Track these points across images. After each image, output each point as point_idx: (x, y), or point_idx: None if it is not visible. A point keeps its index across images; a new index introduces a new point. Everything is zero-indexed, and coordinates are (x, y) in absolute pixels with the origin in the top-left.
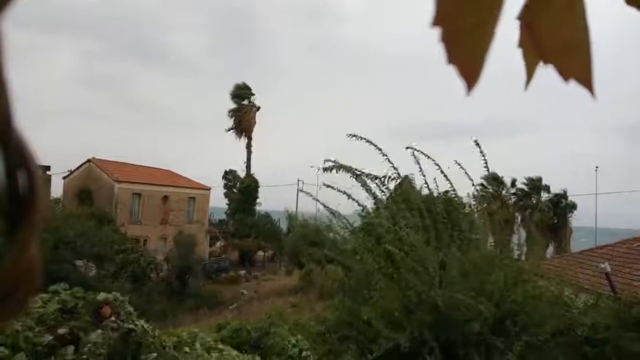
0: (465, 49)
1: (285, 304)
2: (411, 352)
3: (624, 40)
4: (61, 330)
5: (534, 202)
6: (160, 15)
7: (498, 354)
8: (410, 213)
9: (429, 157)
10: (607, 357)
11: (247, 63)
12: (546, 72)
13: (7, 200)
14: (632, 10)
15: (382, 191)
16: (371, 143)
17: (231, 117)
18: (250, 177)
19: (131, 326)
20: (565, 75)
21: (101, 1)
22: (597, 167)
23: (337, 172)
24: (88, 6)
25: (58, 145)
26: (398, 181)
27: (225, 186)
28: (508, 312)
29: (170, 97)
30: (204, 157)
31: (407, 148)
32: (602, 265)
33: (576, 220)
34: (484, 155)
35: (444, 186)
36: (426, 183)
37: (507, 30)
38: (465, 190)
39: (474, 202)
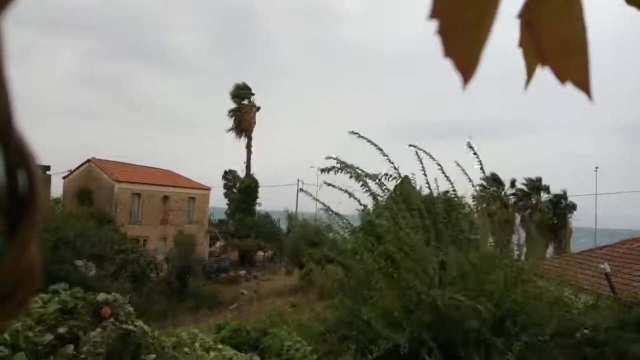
0: (462, 43)
1: (285, 304)
2: (411, 352)
3: (624, 40)
4: (61, 330)
5: (534, 202)
6: (160, 15)
7: (498, 354)
8: (410, 213)
9: (431, 157)
10: (607, 358)
11: (247, 63)
12: (546, 72)
13: (7, 199)
14: (632, 10)
15: (383, 191)
16: (372, 143)
17: (231, 117)
18: (250, 177)
19: (130, 327)
20: (562, 77)
21: (101, 1)
22: (596, 167)
23: (335, 173)
24: (88, 6)
25: (58, 145)
26: (398, 181)
27: (225, 186)
28: (508, 312)
29: (170, 97)
30: (203, 157)
31: (410, 146)
32: (602, 266)
33: (576, 220)
34: (478, 158)
35: (444, 186)
36: (427, 183)
37: (507, 30)
38: (465, 191)
39: (473, 203)
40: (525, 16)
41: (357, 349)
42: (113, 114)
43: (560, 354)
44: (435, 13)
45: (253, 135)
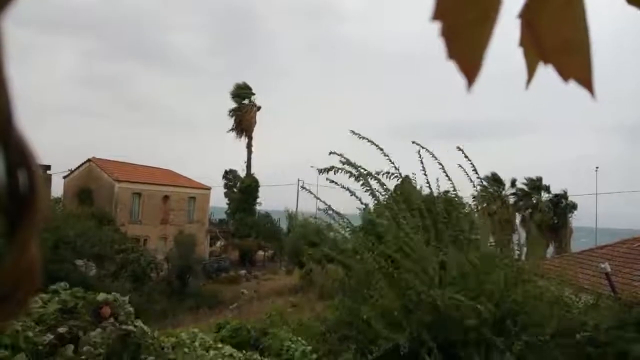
0: (465, 44)
1: (285, 303)
2: (411, 352)
3: (624, 39)
4: (61, 330)
5: (534, 202)
6: (160, 15)
7: (498, 354)
8: (411, 213)
9: (433, 155)
10: (608, 358)
11: (247, 63)
12: (546, 72)
13: (8, 199)
14: (632, 9)
15: (384, 190)
16: (372, 142)
17: (231, 116)
18: (250, 177)
19: (130, 327)
20: (565, 75)
21: (101, 1)
22: (597, 167)
23: (335, 172)
24: (88, 6)
25: (58, 145)
26: (399, 180)
27: (226, 186)
28: (508, 312)
29: (171, 96)
30: (204, 156)
31: (413, 143)
32: (602, 265)
33: (576, 220)
34: (470, 161)
35: (444, 186)
36: (428, 182)
37: (508, 29)
38: (465, 190)
39: (474, 202)
40: (526, 16)
41: (357, 348)
42: (113, 113)
43: (560, 353)
44: (438, 14)
45: (253, 135)
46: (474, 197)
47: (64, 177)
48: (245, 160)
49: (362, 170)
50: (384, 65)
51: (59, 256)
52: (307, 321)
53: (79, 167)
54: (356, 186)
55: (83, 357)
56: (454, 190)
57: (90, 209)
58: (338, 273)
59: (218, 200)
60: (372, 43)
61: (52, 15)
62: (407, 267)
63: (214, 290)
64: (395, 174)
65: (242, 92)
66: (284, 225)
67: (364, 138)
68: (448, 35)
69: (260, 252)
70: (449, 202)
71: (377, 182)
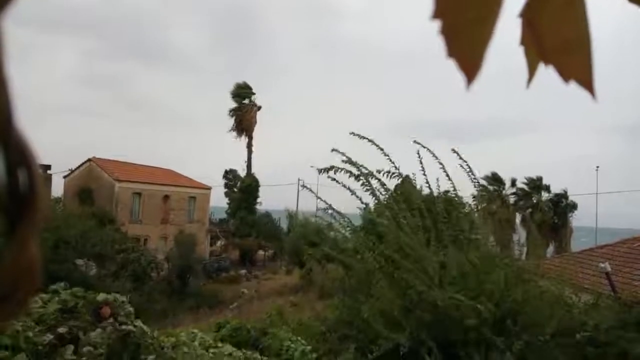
0: (465, 43)
1: (285, 303)
2: (411, 351)
3: (625, 38)
4: (61, 330)
5: (535, 201)
6: (161, 14)
7: (498, 354)
8: (411, 212)
9: (433, 155)
10: (609, 358)
11: (248, 61)
12: (547, 71)
13: (8, 198)
14: (633, 7)
15: (385, 190)
16: (373, 142)
17: (232, 116)
18: (250, 177)
19: (130, 327)
20: (566, 76)
21: (101, 0)
22: (597, 166)
23: (335, 172)
24: (88, 5)
25: (59, 145)
26: (399, 180)
27: (226, 185)
28: (508, 312)
29: (171, 96)
30: (204, 156)
31: (415, 142)
32: (602, 265)
33: (577, 220)
34: (466, 162)
35: (444, 185)
36: (427, 182)
37: (509, 28)
38: (465, 190)
39: (474, 202)
40: (527, 15)
41: (357, 348)
42: (113, 113)
43: (560, 353)
44: (438, 13)
45: (254, 134)
46: (473, 197)
47: (64, 177)
48: (246, 159)
49: (363, 170)
50: (384, 64)
51: (59, 256)
52: (307, 321)
53: (79, 166)
54: (356, 186)
55: (83, 357)
56: (454, 190)
57: (90, 208)
58: (338, 272)
59: (218, 200)
60: (373, 41)
61: (52, 14)
62: (407, 267)
63: (214, 289)
64: (396, 173)
65: (242, 92)
66: (284, 224)
67: (364, 138)
68: (448, 33)
69: (261, 252)
70: (449, 202)
71: (378, 182)
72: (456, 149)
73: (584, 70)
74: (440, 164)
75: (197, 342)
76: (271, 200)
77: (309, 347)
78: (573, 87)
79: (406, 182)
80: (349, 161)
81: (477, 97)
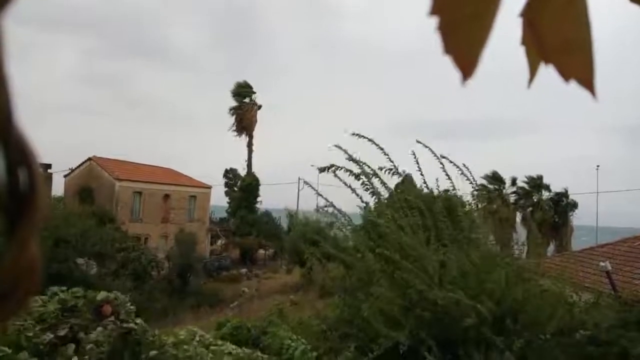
0: (462, 39)
1: (286, 302)
2: (411, 350)
3: (626, 38)
4: (62, 329)
5: (535, 200)
6: (160, 13)
7: (498, 353)
8: (411, 212)
9: (434, 154)
10: (610, 357)
11: (248, 61)
12: (548, 72)
13: (8, 197)
14: (634, 7)
15: (386, 189)
16: (373, 142)
17: (232, 115)
18: (251, 176)
19: (131, 325)
20: (566, 75)
21: None
22: (598, 165)
23: (335, 171)
24: (88, 4)
25: (59, 144)
26: (400, 178)
27: (226, 184)
28: (508, 311)
29: (171, 94)
30: (204, 155)
31: (418, 142)
32: (603, 264)
33: (577, 218)
34: (457, 166)
35: (445, 184)
36: (425, 182)
37: (509, 28)
38: (465, 189)
39: (474, 201)
40: (528, 14)
41: (357, 347)
42: (114, 111)
43: (561, 352)
44: (435, 9)
45: (254, 133)
46: (473, 196)
47: (65, 176)
48: (246, 158)
49: (366, 168)
50: (384, 64)
51: (60, 255)
52: (307, 319)
53: (79, 165)
54: (357, 185)
55: (86, 356)
56: (454, 189)
57: (91, 207)
58: (339, 271)
59: (219, 199)
60: (373, 41)
61: (52, 13)
62: (407, 267)
63: (214, 288)
64: (397, 171)
65: (242, 91)
66: (284, 223)
67: (362, 137)
68: (445, 30)
69: (261, 251)
70: (449, 201)
71: (379, 180)
72: (446, 154)
73: (585, 70)
74: (441, 163)
75: (197, 339)
76: (271, 199)
77: (309, 346)
78: (573, 87)
79: (407, 181)
80: (351, 158)
81: (478, 97)
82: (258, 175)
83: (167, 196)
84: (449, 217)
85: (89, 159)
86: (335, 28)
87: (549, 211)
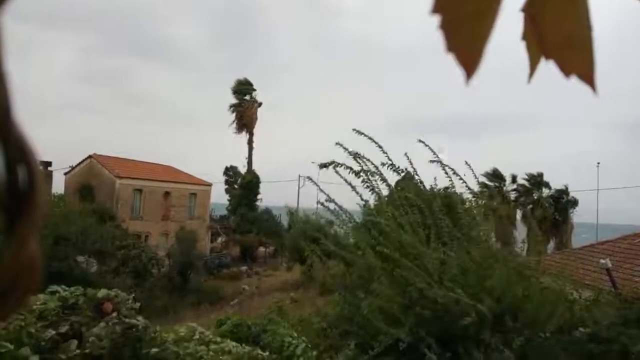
0: (465, 37)
1: (286, 299)
2: (411, 347)
3: (626, 35)
4: (63, 326)
5: (535, 198)
6: (160, 10)
7: (498, 351)
8: (411, 209)
9: (434, 153)
10: (611, 355)
11: (248, 59)
12: (548, 67)
13: (7, 195)
14: (634, 2)
15: (387, 186)
16: (372, 140)
17: (232, 112)
18: (251, 173)
19: (133, 321)
20: (567, 70)
21: None
22: (598, 163)
23: (335, 168)
24: (87, 1)
25: (59, 141)
26: (401, 175)
27: (227, 182)
28: (508, 308)
29: (171, 92)
30: (205, 153)
31: (420, 141)
32: (603, 261)
33: (577, 216)
34: (449, 166)
35: (445, 182)
36: (421, 182)
37: (510, 24)
38: (466, 187)
39: (474, 198)
40: (529, 10)
41: (357, 344)
42: (113, 109)
43: (561, 350)
44: (437, 7)
45: (254, 131)
46: (473, 194)
47: (65, 174)
48: (246, 156)
49: (369, 165)
50: (384, 60)
51: (60, 253)
52: (307, 317)
53: (80, 163)
54: (357, 182)
55: (87, 350)
56: (454, 186)
57: (91, 205)
58: (339, 269)
59: (219, 197)
60: (373, 39)
61: (51, 10)
62: (407, 265)
63: (215, 286)
64: (397, 169)
65: (243, 88)
66: (284, 221)
67: (362, 133)
68: (447, 28)
69: (261, 248)
70: (450, 198)
71: (379, 177)
72: (446, 152)
73: (586, 65)
74: (440, 162)
75: (197, 336)
76: (272, 196)
77: (309, 345)
78: (574, 83)
79: (407, 179)
80: (355, 154)
81: (478, 94)
82: (258, 172)
83: (167, 194)
84: (449, 214)
85: (89, 156)
86: (335, 26)
87: (549, 208)
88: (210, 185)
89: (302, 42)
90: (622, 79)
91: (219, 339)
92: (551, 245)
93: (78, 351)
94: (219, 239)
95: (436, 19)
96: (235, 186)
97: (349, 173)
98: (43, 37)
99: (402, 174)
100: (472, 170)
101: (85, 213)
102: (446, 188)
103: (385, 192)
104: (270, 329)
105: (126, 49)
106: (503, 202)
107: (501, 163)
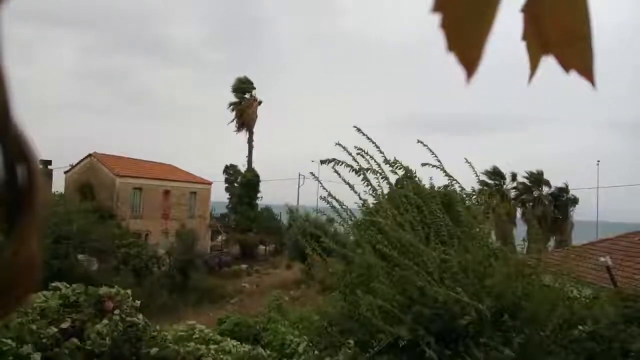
0: (465, 36)
1: (286, 297)
2: (410, 345)
3: (626, 33)
4: (64, 323)
5: (535, 196)
6: (160, 9)
7: (497, 349)
8: (411, 208)
9: (433, 153)
10: (611, 353)
11: (248, 58)
12: (549, 66)
13: (7, 194)
14: (634, 2)
15: (388, 184)
16: (370, 140)
17: (232, 110)
18: (251, 172)
19: (134, 319)
20: (567, 66)
21: None
22: (598, 161)
23: (335, 165)
24: (87, 0)
25: (59, 140)
26: (402, 172)
27: (227, 180)
28: (508, 306)
29: (171, 90)
30: (205, 151)
31: (419, 142)
32: (603, 259)
33: (577, 214)
34: (442, 167)
35: (444, 180)
36: (418, 180)
37: (507, 23)
38: (466, 185)
39: (474, 197)
40: (529, 9)
41: (357, 342)
42: (114, 108)
43: (561, 348)
44: (438, 6)
45: (254, 129)
46: (473, 192)
47: (65, 172)
48: (247, 154)
49: (371, 162)
50: (384, 58)
51: (60, 251)
52: (307, 315)
53: (80, 162)
54: (357, 180)
55: (88, 347)
56: (453, 184)
57: (91, 204)
58: (339, 267)
59: (219, 195)
60: (372, 37)
61: (51, 9)
62: (406, 264)
63: (215, 284)
64: (399, 165)
65: (243, 87)
66: (285, 219)
67: (360, 131)
68: (448, 27)
69: (262, 247)
70: (449, 197)
71: (380, 176)
72: (446, 150)
73: (585, 61)
74: (439, 161)
75: (197, 335)
76: (272, 195)
77: (309, 344)
78: (575, 82)
79: (407, 177)
80: (359, 151)
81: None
82: (258, 171)
83: (167, 192)
84: (449, 213)
85: (89, 155)
86: (334, 24)
87: (549, 206)
88: (210, 183)
89: (301, 40)
90: (622, 77)
91: (219, 338)
92: (551, 243)
93: (79, 344)
94: (219, 238)
95: (436, 18)
96: (236, 184)
97: (350, 171)
98: (43, 36)
99: (403, 173)
100: (473, 168)
101: (85, 212)
102: (446, 186)
103: (385, 190)
104: (271, 328)
105: (126, 48)
106: (503, 200)
107: (501, 161)
